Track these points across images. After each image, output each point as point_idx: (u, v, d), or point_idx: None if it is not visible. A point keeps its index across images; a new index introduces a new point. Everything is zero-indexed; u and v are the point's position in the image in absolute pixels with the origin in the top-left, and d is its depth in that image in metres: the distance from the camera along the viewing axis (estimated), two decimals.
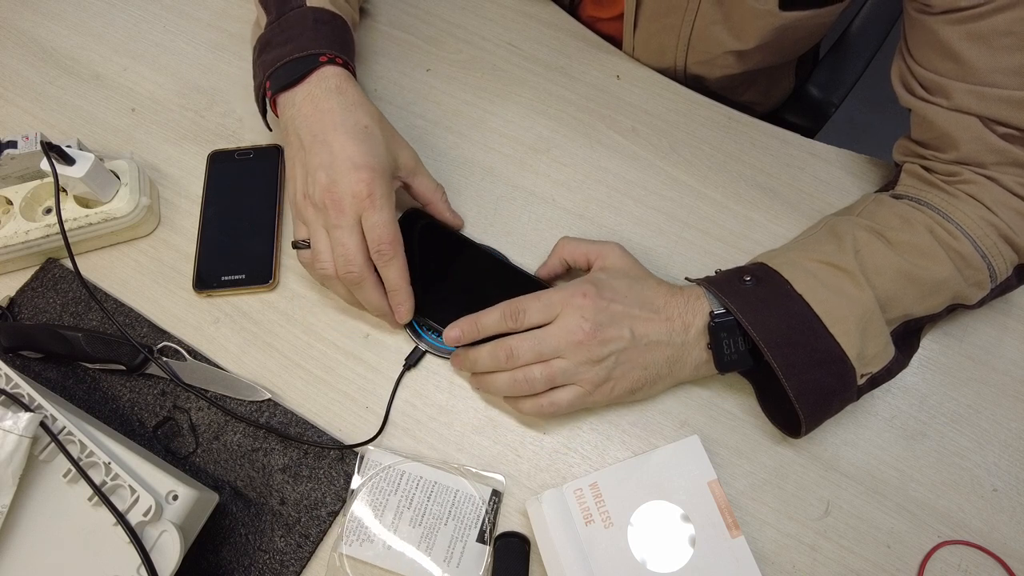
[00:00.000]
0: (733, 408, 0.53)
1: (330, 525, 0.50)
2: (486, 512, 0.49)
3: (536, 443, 0.52)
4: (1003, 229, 0.49)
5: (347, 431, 0.53)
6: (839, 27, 0.75)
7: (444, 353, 0.55)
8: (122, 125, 0.66)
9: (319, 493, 0.51)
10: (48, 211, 0.59)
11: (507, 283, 0.56)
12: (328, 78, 0.52)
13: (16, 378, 0.47)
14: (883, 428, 0.52)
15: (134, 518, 0.43)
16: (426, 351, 0.55)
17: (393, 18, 0.71)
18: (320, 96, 0.51)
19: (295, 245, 0.53)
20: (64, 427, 0.46)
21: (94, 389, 0.55)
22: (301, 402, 0.54)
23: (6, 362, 0.48)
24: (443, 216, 0.58)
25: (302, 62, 0.52)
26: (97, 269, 0.59)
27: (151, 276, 0.59)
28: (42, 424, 0.45)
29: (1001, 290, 0.52)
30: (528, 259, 0.58)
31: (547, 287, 0.54)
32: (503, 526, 0.50)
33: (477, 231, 0.60)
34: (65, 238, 0.54)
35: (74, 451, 0.45)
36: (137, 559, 0.41)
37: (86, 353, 0.54)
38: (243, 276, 0.57)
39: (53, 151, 0.53)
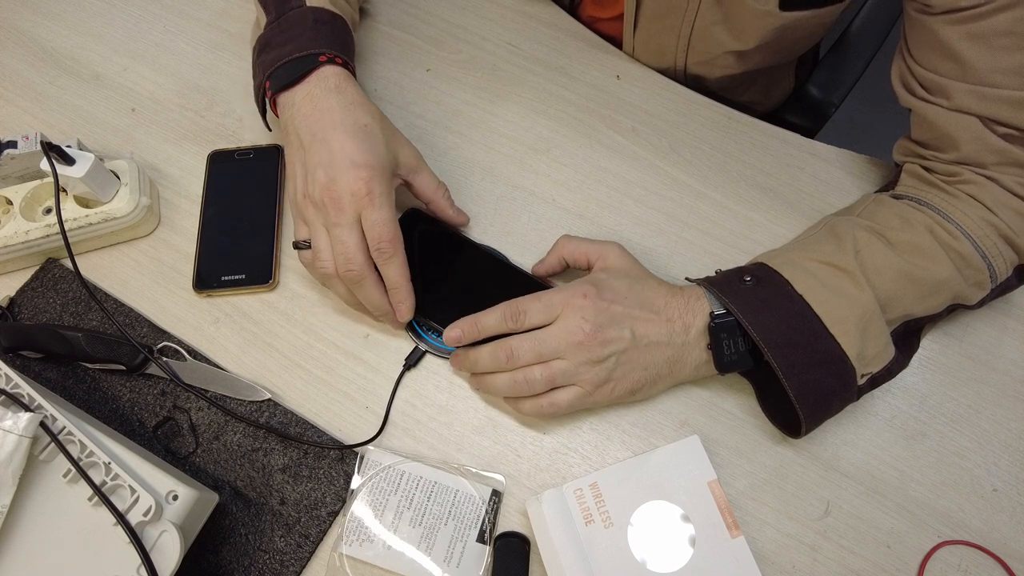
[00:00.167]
0: (733, 408, 0.53)
1: (330, 525, 0.50)
2: (486, 512, 0.49)
3: (536, 443, 0.52)
4: (1003, 229, 0.49)
5: (347, 431, 0.53)
6: (839, 27, 0.75)
7: (444, 353, 0.55)
8: (122, 125, 0.66)
9: (319, 493, 0.51)
10: (48, 211, 0.59)
11: (507, 283, 0.56)
12: (327, 78, 0.52)
13: (16, 378, 0.47)
14: (883, 428, 0.52)
15: (134, 518, 0.43)
16: (426, 351, 0.55)
17: (393, 18, 0.71)
18: (319, 95, 0.51)
19: (296, 245, 0.53)
20: (64, 427, 0.46)
21: (94, 389, 0.55)
22: (301, 402, 0.54)
23: (6, 362, 0.48)
24: (446, 214, 0.57)
25: (302, 62, 0.52)
26: (97, 269, 0.59)
27: (151, 276, 0.59)
28: (42, 424, 0.45)
29: (1001, 290, 0.52)
30: (528, 259, 0.58)
31: (547, 287, 0.54)
32: (503, 526, 0.50)
33: (477, 231, 0.60)
34: (65, 238, 0.54)
35: (74, 451, 0.45)
36: (137, 559, 0.41)
37: (86, 353, 0.54)
38: (243, 276, 0.57)
39: (53, 151, 0.53)
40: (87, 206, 0.57)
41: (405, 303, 0.51)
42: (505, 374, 0.50)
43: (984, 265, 0.49)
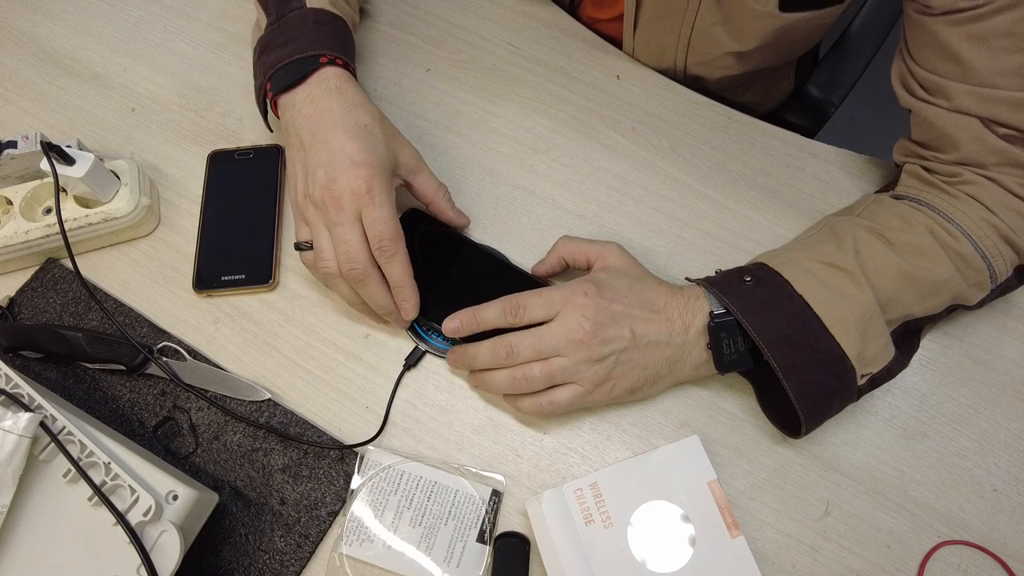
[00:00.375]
0: (733, 408, 0.53)
1: (330, 525, 0.50)
2: (486, 512, 0.49)
3: (536, 443, 0.52)
4: (1003, 230, 0.49)
5: (347, 431, 0.53)
6: (839, 27, 0.75)
7: (444, 353, 0.55)
8: (122, 125, 0.66)
9: (319, 493, 0.51)
10: (48, 211, 0.59)
11: (507, 283, 0.56)
12: (328, 79, 0.52)
13: (16, 378, 0.47)
14: (883, 428, 0.52)
15: (134, 518, 0.43)
16: (426, 351, 0.55)
17: (393, 18, 0.71)
18: (320, 97, 0.51)
19: (298, 247, 0.52)
20: (64, 427, 0.46)
21: (94, 389, 0.55)
22: (301, 402, 0.54)
23: (6, 362, 0.48)
24: (446, 216, 0.57)
25: (302, 63, 0.52)
26: (97, 269, 0.59)
27: (151, 276, 0.59)
28: (42, 424, 0.45)
29: (1001, 291, 0.52)
30: (528, 259, 0.58)
31: (547, 287, 0.54)
32: (503, 526, 0.50)
33: (477, 231, 0.60)
34: (65, 238, 0.54)
35: (74, 451, 0.45)
36: (137, 559, 0.41)
37: (86, 353, 0.54)
38: (243, 276, 0.57)
39: (53, 151, 0.53)
40: (87, 206, 0.57)
41: (409, 301, 0.51)
42: (504, 371, 0.50)
43: (984, 265, 0.49)
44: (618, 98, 0.66)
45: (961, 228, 0.49)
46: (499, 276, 0.57)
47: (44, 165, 0.54)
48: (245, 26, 0.71)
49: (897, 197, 0.54)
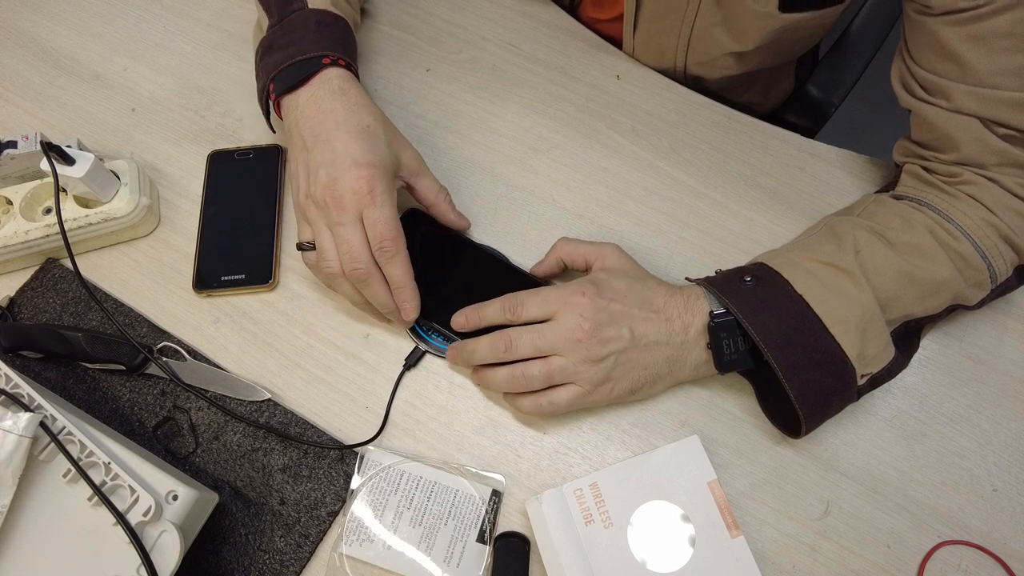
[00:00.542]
0: (733, 408, 0.53)
1: (330, 525, 0.50)
2: (486, 512, 0.49)
3: (536, 443, 0.52)
4: (1003, 230, 0.49)
5: (347, 431, 0.53)
6: (839, 27, 0.75)
7: (444, 353, 0.55)
8: (122, 125, 0.66)
9: (319, 493, 0.51)
10: (48, 211, 0.59)
11: (508, 283, 0.56)
12: (331, 80, 0.52)
13: (16, 378, 0.47)
14: (883, 428, 0.52)
15: (134, 518, 0.43)
16: (426, 351, 0.55)
17: (393, 18, 0.71)
18: (323, 97, 0.51)
19: (300, 247, 0.52)
20: (64, 427, 0.46)
21: (94, 389, 0.55)
22: (301, 402, 0.54)
23: (6, 362, 0.48)
24: (447, 218, 0.57)
25: (305, 65, 0.52)
26: (97, 269, 0.59)
27: (151, 276, 0.59)
28: (42, 424, 0.45)
29: (1001, 291, 0.52)
30: (528, 259, 0.58)
31: (547, 286, 0.54)
32: (503, 526, 0.50)
33: (477, 231, 0.60)
34: (65, 238, 0.54)
35: (74, 451, 0.45)
36: (137, 559, 0.41)
37: (86, 353, 0.54)
38: (243, 276, 0.57)
39: (53, 151, 0.53)
40: (87, 206, 0.57)
41: (410, 302, 0.51)
42: (504, 368, 0.50)
43: (984, 265, 0.49)
44: (618, 98, 0.66)
45: (961, 228, 0.49)
46: (499, 276, 0.57)
47: (44, 165, 0.54)
48: (245, 26, 0.71)
49: (897, 197, 0.54)
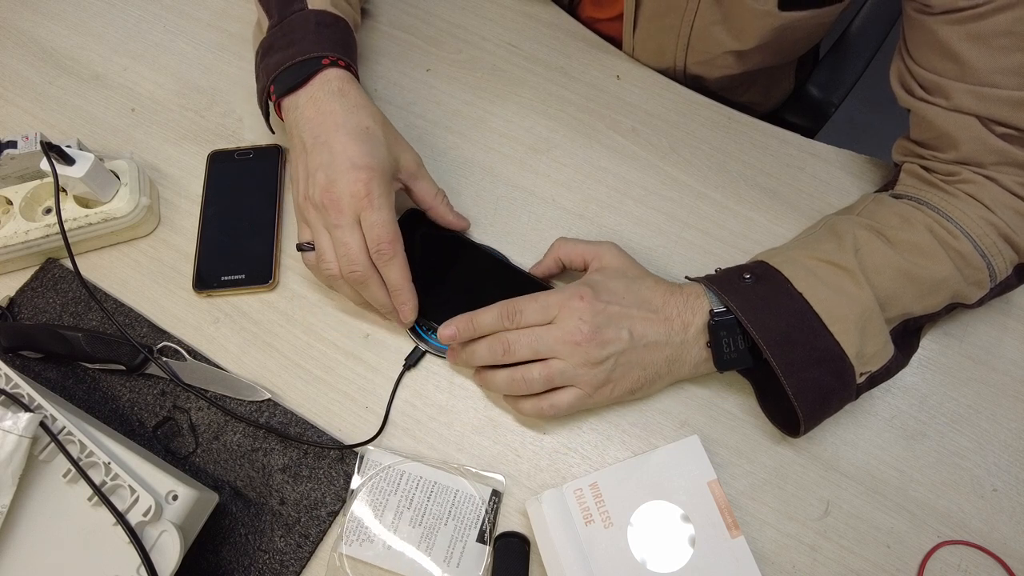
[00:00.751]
0: (733, 408, 0.53)
1: (330, 525, 0.50)
2: (486, 512, 0.49)
3: (536, 443, 0.52)
4: (1003, 228, 0.49)
5: (347, 431, 0.53)
6: (839, 27, 0.75)
7: (444, 353, 0.55)
8: (122, 125, 0.66)
9: (319, 493, 0.51)
10: (48, 211, 0.59)
11: (507, 283, 0.56)
12: (331, 81, 0.52)
13: (16, 378, 0.47)
14: (883, 428, 0.52)
15: (134, 518, 0.43)
16: (426, 351, 0.55)
17: (393, 18, 0.71)
18: (322, 99, 0.51)
19: (299, 248, 0.53)
20: (64, 427, 0.46)
21: (94, 389, 0.55)
22: (301, 402, 0.54)
23: (6, 362, 0.48)
24: (445, 220, 0.57)
25: (305, 65, 0.52)
26: (97, 269, 0.59)
27: (151, 276, 0.59)
28: (42, 424, 0.45)
29: (1001, 289, 0.52)
30: (528, 259, 0.58)
31: (548, 287, 0.54)
32: (503, 526, 0.50)
33: (477, 231, 0.60)
34: (65, 238, 0.54)
35: (74, 451, 0.45)
36: (137, 559, 0.41)
37: (86, 353, 0.54)
38: (243, 276, 0.57)
39: (53, 151, 0.53)
40: (87, 206, 0.57)
41: (407, 304, 0.51)
42: (504, 371, 0.50)
43: (983, 264, 0.49)
44: (618, 98, 0.66)
45: (960, 227, 0.49)
46: (499, 276, 0.57)
47: (44, 165, 0.54)
48: (245, 26, 0.71)
49: (896, 196, 0.54)
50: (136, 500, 0.43)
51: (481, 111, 0.66)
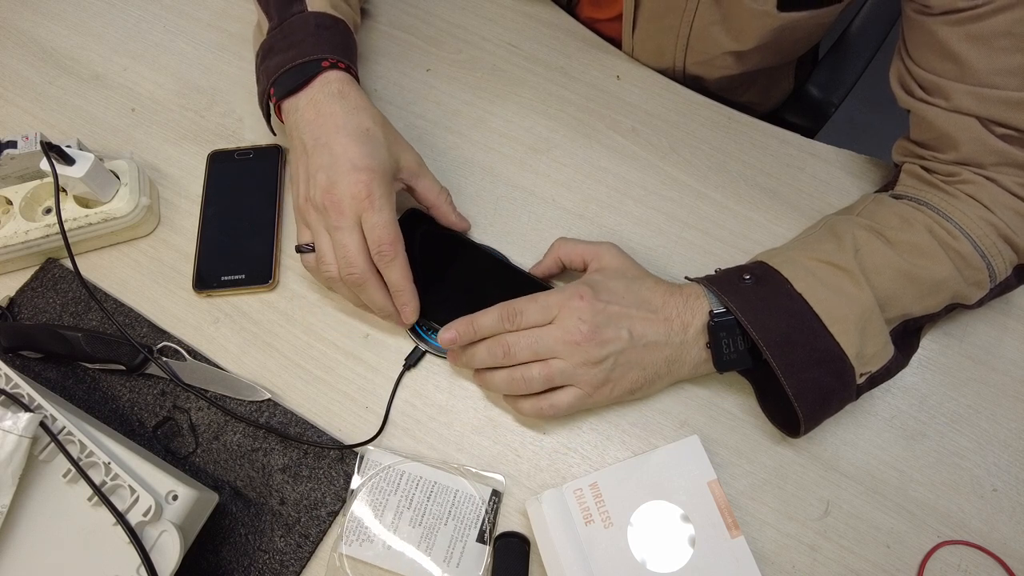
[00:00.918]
0: (733, 408, 0.53)
1: (330, 525, 0.50)
2: (486, 512, 0.49)
3: (536, 443, 0.52)
4: (1002, 229, 0.49)
5: (347, 431, 0.53)
6: (839, 27, 0.75)
7: (444, 353, 0.55)
8: (122, 125, 0.66)
9: (319, 493, 0.51)
10: (48, 211, 0.59)
11: (507, 283, 0.56)
12: (331, 83, 0.52)
13: (16, 378, 0.47)
14: (883, 428, 0.52)
15: (134, 518, 0.43)
16: (426, 351, 0.55)
17: (393, 18, 0.71)
18: (322, 100, 0.52)
19: (299, 249, 0.53)
20: (64, 427, 0.46)
21: (94, 389, 0.55)
22: (301, 402, 0.54)
23: (6, 362, 0.48)
24: (448, 219, 0.57)
25: (305, 68, 0.53)
26: (97, 269, 0.59)
27: (151, 276, 0.59)
28: (42, 424, 0.45)
29: (1000, 290, 0.52)
30: (528, 259, 0.58)
31: (548, 287, 0.54)
32: (503, 526, 0.50)
33: (477, 231, 0.60)
34: (65, 238, 0.54)
35: (74, 451, 0.45)
36: (137, 559, 0.41)
37: (86, 353, 0.54)
38: (243, 276, 0.57)
39: (53, 151, 0.53)
40: (87, 206, 0.57)
41: (409, 305, 0.51)
42: (503, 371, 0.50)
43: (983, 264, 0.49)
44: (618, 98, 0.66)
45: (960, 227, 0.49)
46: (499, 276, 0.57)
47: (44, 165, 0.54)
48: (245, 26, 0.71)
49: (896, 197, 0.54)
50: (136, 500, 0.43)
51: (481, 111, 0.66)
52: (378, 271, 0.50)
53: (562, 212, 0.61)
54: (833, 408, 0.48)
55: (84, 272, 0.56)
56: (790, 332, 0.46)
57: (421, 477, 0.50)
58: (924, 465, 0.51)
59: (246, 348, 0.56)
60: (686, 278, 0.52)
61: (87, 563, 0.43)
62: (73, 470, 0.44)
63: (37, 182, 0.58)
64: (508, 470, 0.52)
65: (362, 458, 0.51)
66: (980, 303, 0.52)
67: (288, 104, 0.53)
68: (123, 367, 0.54)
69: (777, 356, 0.46)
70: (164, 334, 0.56)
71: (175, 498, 0.44)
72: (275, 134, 0.61)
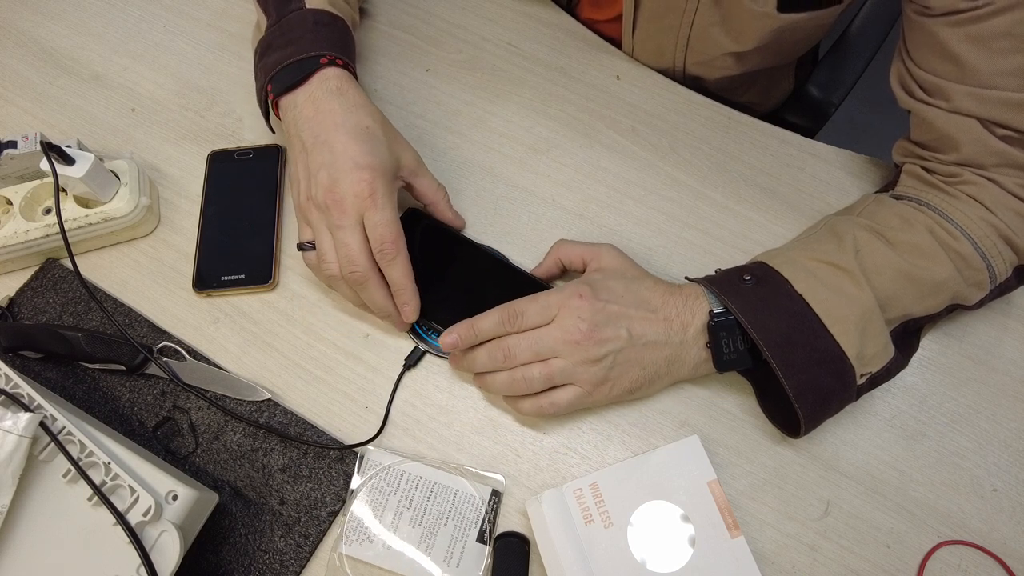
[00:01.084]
0: (733, 408, 0.53)
1: (330, 525, 0.50)
2: (486, 512, 0.49)
3: (536, 443, 0.52)
4: (1003, 230, 0.49)
5: (347, 431, 0.53)
6: (839, 27, 0.75)
7: (444, 353, 0.55)
8: (122, 125, 0.66)
9: (319, 493, 0.51)
10: (48, 211, 0.59)
11: (508, 283, 0.56)
12: (329, 80, 0.52)
13: (16, 378, 0.47)
14: (883, 428, 0.52)
15: (134, 518, 0.43)
16: (426, 351, 0.55)
17: (393, 18, 0.71)
18: (321, 98, 0.51)
19: (300, 247, 0.53)
20: (64, 427, 0.46)
21: (94, 389, 0.55)
22: (301, 402, 0.54)
23: (6, 362, 0.48)
24: (445, 216, 0.57)
25: (303, 64, 0.52)
26: (97, 269, 0.59)
27: (151, 276, 0.59)
28: (42, 424, 0.45)
29: (1000, 291, 0.52)
30: (528, 259, 0.58)
31: (548, 287, 0.54)
32: (503, 526, 0.50)
33: (477, 231, 0.60)
34: (65, 238, 0.54)
35: (74, 451, 0.45)
36: (137, 559, 0.41)
37: (86, 353, 0.54)
38: (243, 276, 0.57)
39: (53, 151, 0.53)
40: (87, 206, 0.57)
41: (410, 304, 0.51)
42: (504, 373, 0.50)
43: (984, 265, 0.49)
44: (618, 98, 0.66)
45: (961, 228, 0.49)
46: (499, 276, 0.57)
47: (44, 165, 0.54)
48: (245, 26, 0.71)
49: (897, 197, 0.54)
50: (136, 500, 0.43)
51: (481, 111, 0.66)
52: (379, 270, 0.51)
53: (562, 212, 0.61)
54: (833, 409, 0.48)
55: (84, 272, 0.56)
56: (790, 332, 0.46)
57: (421, 477, 0.50)
58: (924, 465, 0.51)
59: (246, 348, 0.56)
60: (686, 278, 0.52)
61: (87, 563, 0.43)
62: (73, 470, 0.44)
63: (37, 182, 0.58)
64: (508, 470, 0.52)
65: (362, 458, 0.51)
66: (980, 304, 0.52)
67: (286, 101, 0.53)
68: (123, 367, 0.54)
69: (777, 356, 0.46)
70: (164, 334, 0.56)
71: (175, 498, 0.44)
72: (274, 132, 0.61)
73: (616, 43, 0.69)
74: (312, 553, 0.49)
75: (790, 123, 0.81)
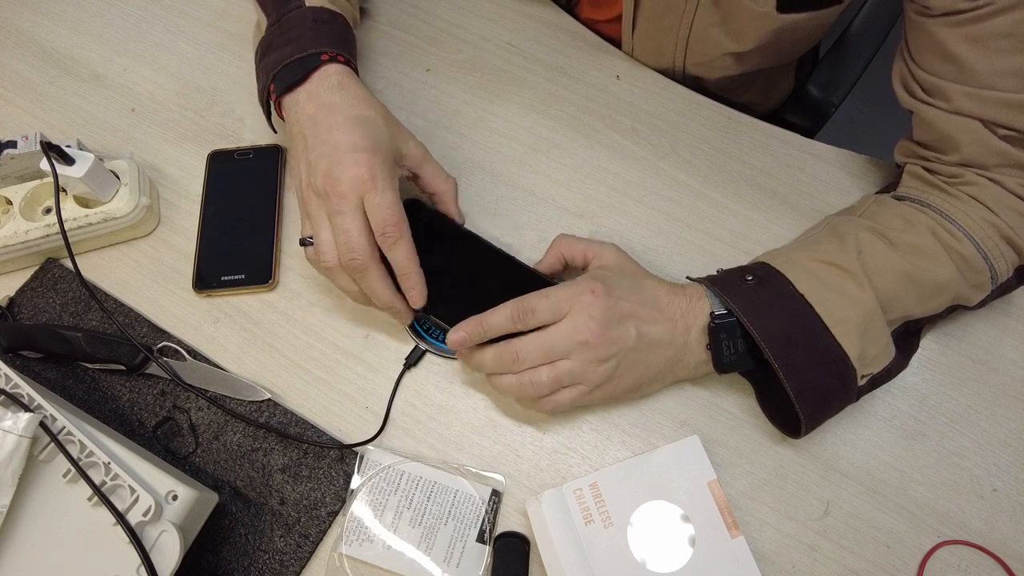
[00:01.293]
0: (733, 408, 0.53)
1: (330, 525, 0.50)
2: (486, 512, 0.49)
3: (536, 443, 0.52)
4: (1005, 230, 0.49)
5: (347, 431, 0.53)
6: (839, 27, 0.75)
7: (444, 353, 0.55)
8: (122, 125, 0.66)
9: (319, 493, 0.51)
10: (48, 211, 0.59)
11: (510, 277, 0.54)
12: (330, 76, 0.52)
13: (16, 378, 0.47)
14: (883, 428, 0.52)
15: (134, 518, 0.43)
16: (426, 350, 0.55)
17: (393, 18, 0.71)
18: (323, 93, 0.51)
19: (302, 242, 0.52)
20: (64, 427, 0.46)
21: (94, 389, 0.55)
22: (301, 402, 0.54)
23: (6, 362, 0.48)
24: (448, 210, 0.57)
25: (304, 62, 0.52)
26: (97, 269, 0.59)
27: (151, 276, 0.59)
28: (42, 424, 0.45)
29: (1000, 291, 0.52)
30: (527, 259, 0.58)
31: (552, 282, 0.54)
32: (503, 526, 0.50)
33: (477, 231, 0.60)
34: (65, 238, 0.54)
35: (74, 451, 0.45)
36: (137, 559, 0.41)
37: (86, 353, 0.54)
38: (243, 276, 0.57)
39: (53, 151, 0.53)
40: (87, 206, 0.57)
41: (416, 288, 0.50)
42: (512, 376, 0.49)
43: (985, 267, 0.49)
44: (618, 98, 0.66)
45: (963, 229, 0.49)
46: (502, 271, 0.56)
47: (44, 165, 0.54)
48: (245, 26, 0.71)
49: (899, 198, 0.54)
50: (136, 500, 0.43)
51: (481, 111, 0.66)
52: (380, 258, 0.49)
53: (562, 212, 0.61)
54: (834, 409, 0.48)
55: (84, 272, 0.56)
56: (792, 333, 0.46)
57: (421, 477, 0.50)
58: (924, 465, 0.51)
59: (246, 348, 0.56)
60: (688, 278, 0.52)
61: (87, 563, 0.43)
62: (73, 470, 0.44)
63: (37, 182, 0.58)
64: (508, 470, 0.52)
65: (362, 458, 0.51)
66: (981, 304, 0.52)
67: (288, 100, 0.53)
68: (123, 367, 0.54)
69: (778, 357, 0.46)
70: (164, 334, 0.56)
71: (175, 498, 0.44)
72: (276, 132, 0.61)
73: (616, 43, 0.69)
74: (312, 553, 0.49)
75: (790, 123, 0.81)
